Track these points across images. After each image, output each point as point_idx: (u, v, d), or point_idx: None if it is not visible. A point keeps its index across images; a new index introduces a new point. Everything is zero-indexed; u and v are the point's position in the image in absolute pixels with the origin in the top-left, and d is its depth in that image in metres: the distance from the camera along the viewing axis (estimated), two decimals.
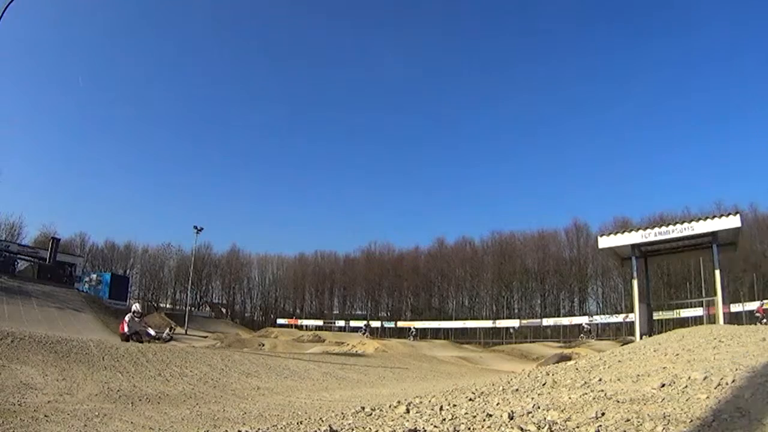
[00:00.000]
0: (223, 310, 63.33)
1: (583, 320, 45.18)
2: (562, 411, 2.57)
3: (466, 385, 6.02)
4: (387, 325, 52.65)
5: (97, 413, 4.46)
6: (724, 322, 13.30)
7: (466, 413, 2.84)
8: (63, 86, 79.84)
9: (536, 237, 55.86)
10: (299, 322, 57.32)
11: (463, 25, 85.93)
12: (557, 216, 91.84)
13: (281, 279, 67.25)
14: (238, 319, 60.47)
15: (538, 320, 48.68)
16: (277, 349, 25.50)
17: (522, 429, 2.30)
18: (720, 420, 2.13)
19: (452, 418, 2.71)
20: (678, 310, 30.82)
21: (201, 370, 7.85)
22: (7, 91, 64.14)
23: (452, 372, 15.67)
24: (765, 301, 21.41)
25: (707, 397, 2.54)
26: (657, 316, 22.17)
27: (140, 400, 5.48)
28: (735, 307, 27.55)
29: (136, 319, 11.25)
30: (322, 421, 3.07)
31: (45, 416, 4.11)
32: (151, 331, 11.58)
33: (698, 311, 26.84)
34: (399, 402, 3.52)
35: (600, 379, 3.70)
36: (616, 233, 16.32)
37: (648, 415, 2.32)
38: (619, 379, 3.55)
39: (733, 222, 13.62)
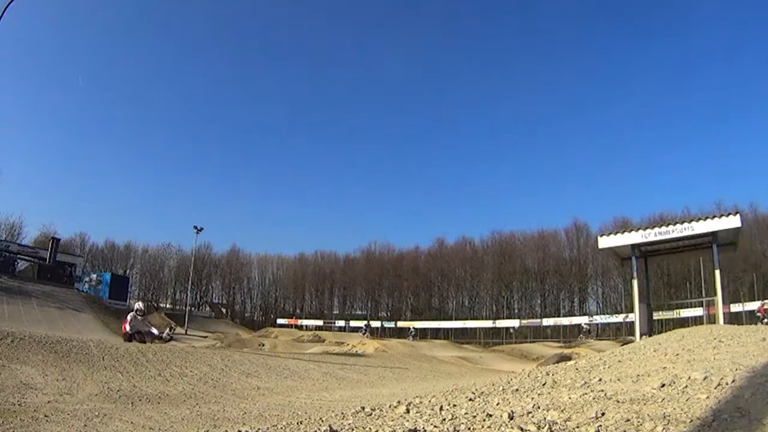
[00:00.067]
0: (223, 310, 63.33)
1: (583, 320, 45.20)
2: (562, 411, 2.57)
3: (466, 385, 6.02)
4: (387, 325, 52.65)
5: (97, 413, 4.46)
6: (724, 322, 13.30)
7: (466, 413, 2.84)
8: (63, 86, 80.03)
9: (536, 237, 55.91)
10: (299, 322, 57.32)
11: (463, 25, 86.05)
12: (557, 216, 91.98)
13: (281, 279, 67.28)
14: (238, 319, 60.48)
15: (538, 320, 48.69)
16: (277, 349, 25.50)
17: (522, 429, 2.30)
18: (720, 420, 2.13)
19: (452, 418, 2.71)
20: (678, 310, 30.82)
21: (201, 370, 7.85)
22: (7, 91, 64.25)
23: (452, 372, 15.67)
24: (766, 301, 21.38)
25: (707, 397, 2.54)
26: (657, 316, 22.17)
27: (140, 400, 5.48)
28: (735, 307, 27.55)
29: (139, 317, 11.11)
30: (322, 421, 3.07)
31: (45, 416, 4.11)
32: (154, 331, 11.39)
33: (698, 311, 26.84)
34: (399, 402, 3.51)
35: (600, 379, 3.70)
36: (616, 233, 16.33)
37: (648, 415, 2.32)
38: (619, 379, 3.55)
39: (733, 222, 13.62)
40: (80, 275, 43.54)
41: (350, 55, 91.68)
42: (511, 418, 2.53)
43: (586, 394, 3.03)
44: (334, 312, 62.08)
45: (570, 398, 2.94)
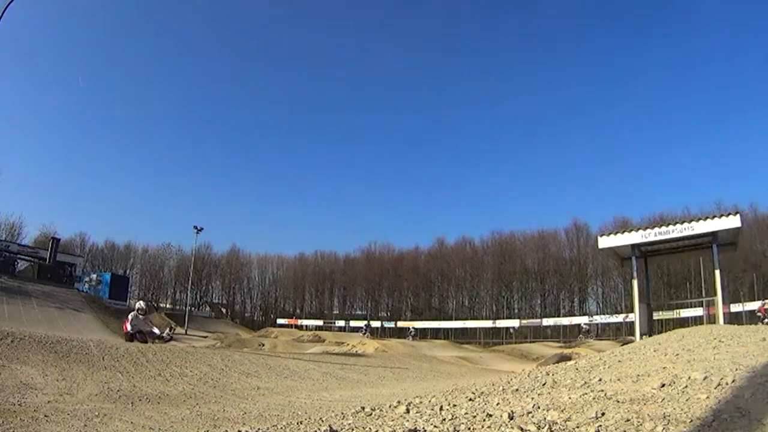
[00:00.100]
0: (223, 310, 63.33)
1: (583, 320, 45.21)
2: (562, 411, 2.57)
3: (466, 385, 6.02)
4: (387, 325, 52.66)
5: (97, 413, 4.46)
6: (724, 322, 13.30)
7: (466, 413, 2.84)
8: (63, 86, 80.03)
9: (536, 237, 55.93)
10: (299, 322, 57.33)
11: (463, 25, 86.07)
12: (557, 216, 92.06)
13: (281, 279, 67.28)
14: (238, 319, 60.48)
15: (538, 320, 48.69)
16: (277, 349, 25.50)
17: (522, 429, 2.30)
18: (720, 420, 2.13)
19: (452, 418, 2.71)
20: (678, 310, 30.82)
21: (201, 370, 7.85)
22: (7, 91, 64.25)
23: (452, 372, 15.67)
24: (766, 301, 21.38)
25: (707, 397, 2.54)
26: (657, 316, 22.16)
27: (140, 400, 5.48)
28: (735, 307, 27.56)
29: (141, 316, 11.01)
30: (322, 421, 3.07)
31: (45, 416, 4.11)
32: (156, 330, 11.27)
33: (698, 311, 26.84)
34: (399, 402, 3.51)
35: (600, 379, 3.70)
36: (616, 233, 16.32)
37: (648, 415, 2.32)
38: (619, 379, 3.55)
39: (733, 222, 13.62)
40: (80, 275, 43.54)
41: (350, 55, 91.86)
42: (511, 418, 2.53)
43: (586, 394, 3.03)
44: (334, 312, 62.08)
45: (570, 398, 2.94)
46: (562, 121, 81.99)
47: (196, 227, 40.79)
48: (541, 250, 54.60)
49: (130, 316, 11.07)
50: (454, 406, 3.23)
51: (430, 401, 3.61)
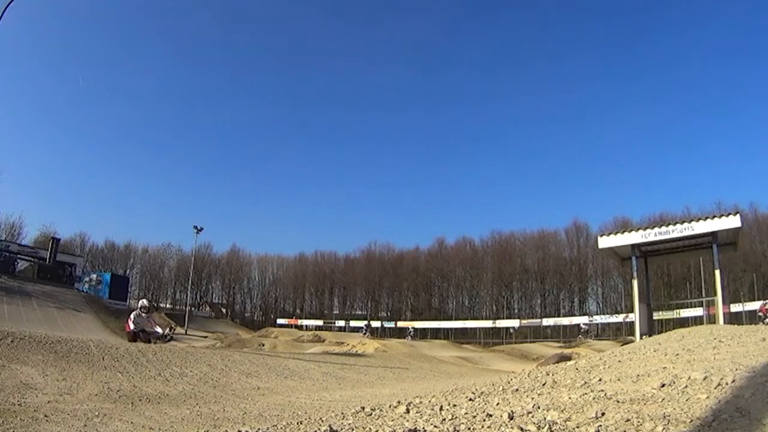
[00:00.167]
0: (223, 310, 63.33)
1: (583, 320, 45.21)
2: (562, 411, 2.57)
3: (466, 385, 6.02)
4: (387, 325, 52.66)
5: (97, 413, 4.46)
6: (724, 322, 13.30)
7: (466, 413, 2.84)
8: (63, 86, 79.96)
9: (536, 237, 55.94)
10: (299, 322, 57.33)
11: (464, 24, 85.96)
12: (557, 216, 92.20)
13: (281, 279, 67.29)
14: (238, 319, 60.49)
15: (538, 320, 48.70)
16: (277, 349, 25.49)
17: (522, 429, 2.30)
18: (720, 420, 2.13)
19: (452, 418, 2.71)
20: (678, 310, 30.84)
21: (201, 370, 7.85)
22: (7, 91, 64.23)
23: (452, 372, 15.66)
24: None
25: (707, 397, 2.54)
26: (657, 316, 22.18)
27: (140, 400, 5.48)
28: (735, 307, 27.55)
29: (143, 315, 10.91)
30: (322, 421, 3.07)
31: (45, 416, 4.11)
32: (159, 330, 11.18)
33: (698, 311, 26.86)
34: (399, 402, 3.51)
35: (600, 379, 3.70)
36: (616, 233, 16.32)
37: (648, 415, 2.32)
38: (619, 379, 3.55)
39: (733, 222, 13.62)
40: (80, 275, 43.49)
41: (350, 55, 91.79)
42: (511, 418, 2.53)
43: (586, 394, 3.03)
44: (334, 312, 62.09)
45: (570, 398, 2.94)
46: (562, 121, 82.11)
47: (196, 227, 40.79)
48: (541, 250, 54.61)
49: (132, 315, 10.98)
50: (454, 406, 3.23)
51: (430, 401, 3.61)
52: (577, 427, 2.26)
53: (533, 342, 40.53)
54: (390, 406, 3.39)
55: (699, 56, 73.15)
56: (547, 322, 47.90)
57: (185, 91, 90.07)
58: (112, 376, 6.49)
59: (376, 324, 50.01)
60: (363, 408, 3.38)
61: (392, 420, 2.87)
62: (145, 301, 11.62)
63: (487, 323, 49.84)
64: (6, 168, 78.54)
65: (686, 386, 2.84)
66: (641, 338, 13.52)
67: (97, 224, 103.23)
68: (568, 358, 14.18)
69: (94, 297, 37.40)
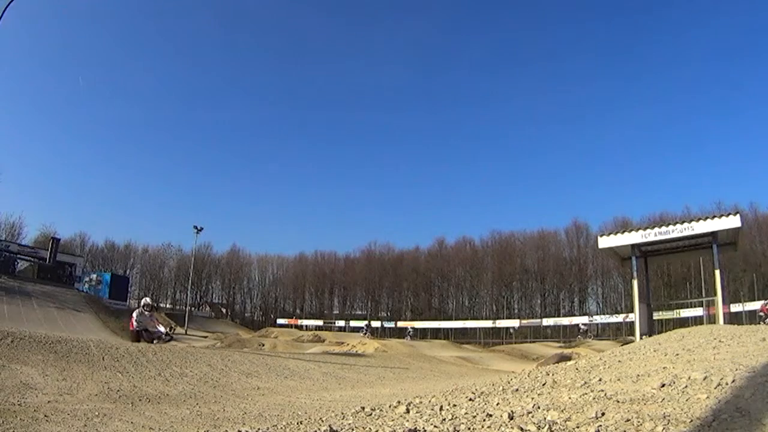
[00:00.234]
0: (223, 310, 63.34)
1: (583, 320, 45.22)
2: (562, 411, 2.57)
3: (466, 385, 6.01)
4: (387, 325, 52.65)
5: (97, 413, 4.46)
6: (724, 322, 13.31)
7: (466, 413, 2.84)
8: (63, 86, 79.98)
9: (536, 237, 55.94)
10: (299, 322, 57.33)
11: (464, 24, 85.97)
12: (557, 216, 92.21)
13: (281, 279, 67.30)
14: (238, 319, 60.51)
15: (538, 320, 48.70)
16: (277, 349, 25.49)
17: (522, 429, 2.30)
18: (720, 420, 2.13)
19: (452, 418, 2.71)
20: (678, 310, 30.86)
21: (201, 370, 7.85)
22: (7, 91, 64.24)
23: (452, 372, 15.66)
24: None
25: (707, 397, 2.54)
26: (657, 316, 22.20)
27: (140, 400, 5.48)
28: (735, 307, 27.57)
29: (146, 313, 10.80)
30: (322, 421, 3.07)
31: (45, 416, 4.11)
32: (161, 329, 11.08)
33: (698, 311, 26.87)
34: (399, 402, 3.51)
35: (600, 379, 3.70)
36: (616, 233, 16.33)
37: (648, 415, 2.32)
38: (619, 379, 3.55)
39: (733, 222, 13.63)
40: (80, 275, 43.49)
41: (350, 55, 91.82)
42: (511, 418, 2.53)
43: (586, 394, 3.03)
44: (334, 312, 62.09)
45: (570, 398, 2.94)
46: (562, 121, 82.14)
47: (196, 227, 40.80)
48: (541, 250, 54.61)
49: (135, 314, 10.86)
50: (454, 406, 3.23)
51: (430, 401, 3.61)
52: (577, 427, 2.26)
53: (533, 342, 40.53)
54: (390, 406, 3.39)
55: (699, 56, 73.27)
56: (547, 322, 47.90)
57: (185, 91, 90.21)
58: (112, 376, 6.48)
59: (376, 324, 50.01)
60: (363, 408, 3.38)
61: (392, 420, 2.87)
62: (148, 299, 11.47)
63: (487, 323, 49.84)
64: (6, 168, 78.76)
65: (686, 386, 2.84)
66: (641, 338, 13.52)
67: (97, 224, 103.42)
68: (568, 358, 14.18)
69: (94, 297, 37.40)
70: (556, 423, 2.34)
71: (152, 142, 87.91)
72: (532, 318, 49.65)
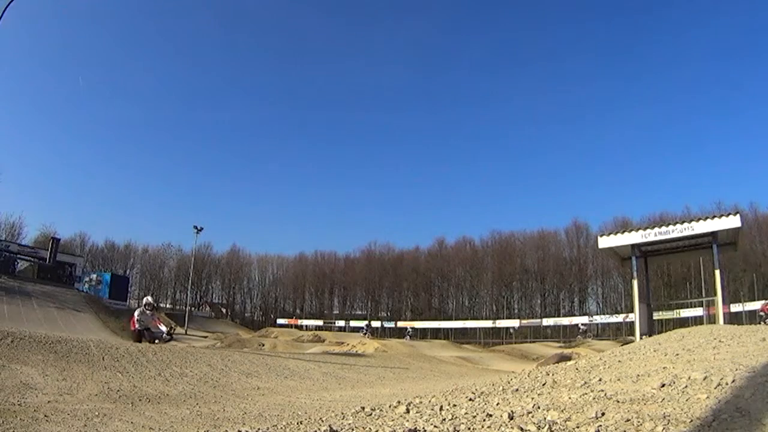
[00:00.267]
0: (223, 310, 63.33)
1: (583, 320, 45.22)
2: (562, 411, 2.57)
3: (466, 385, 6.02)
4: (387, 325, 52.65)
5: (97, 413, 4.46)
6: (724, 322, 13.31)
7: (466, 413, 2.84)
8: (63, 86, 79.97)
9: (536, 237, 55.92)
10: (299, 322, 57.32)
11: (464, 24, 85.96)
12: (557, 216, 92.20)
13: (281, 279, 67.29)
14: (238, 319, 60.50)
15: (538, 320, 48.70)
16: (277, 349, 25.50)
17: (522, 429, 2.30)
18: (720, 420, 2.13)
19: (452, 418, 2.71)
20: (678, 310, 30.85)
21: (201, 370, 7.85)
22: (7, 91, 64.24)
23: (452, 372, 15.66)
24: None
25: (707, 397, 2.54)
26: (657, 316, 22.20)
27: (140, 400, 5.48)
28: (735, 307, 27.57)
29: (148, 312, 10.71)
30: (322, 421, 3.07)
31: (45, 416, 4.11)
32: (163, 328, 10.99)
33: (698, 311, 26.87)
34: (399, 402, 3.51)
35: (600, 379, 3.70)
36: (616, 233, 16.33)
37: (648, 415, 2.32)
38: (619, 379, 3.55)
39: (733, 222, 13.63)
40: (80, 275, 43.49)
41: (350, 55, 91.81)
42: (511, 418, 2.53)
43: (586, 394, 3.03)
44: (334, 312, 62.08)
45: (570, 398, 2.94)
46: (562, 121, 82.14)
47: (196, 227, 40.78)
48: (541, 250, 54.60)
49: (136, 313, 10.78)
50: (454, 406, 3.23)
51: (430, 401, 3.61)
52: (577, 427, 2.26)
53: (533, 342, 40.53)
54: (390, 406, 3.39)
55: (699, 56, 73.23)
56: (547, 322, 47.90)
57: (185, 91, 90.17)
58: (112, 376, 6.49)
59: (376, 324, 50.00)
60: (363, 408, 3.38)
61: (392, 420, 2.87)
62: (149, 298, 11.37)
63: (487, 323, 49.83)
64: (6, 168, 78.74)
65: (686, 386, 2.84)
66: (641, 338, 13.52)
67: (97, 224, 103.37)
68: (568, 358, 14.18)
69: (94, 297, 37.41)
70: (556, 423, 2.34)
71: (152, 142, 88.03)
72: (532, 318, 49.65)
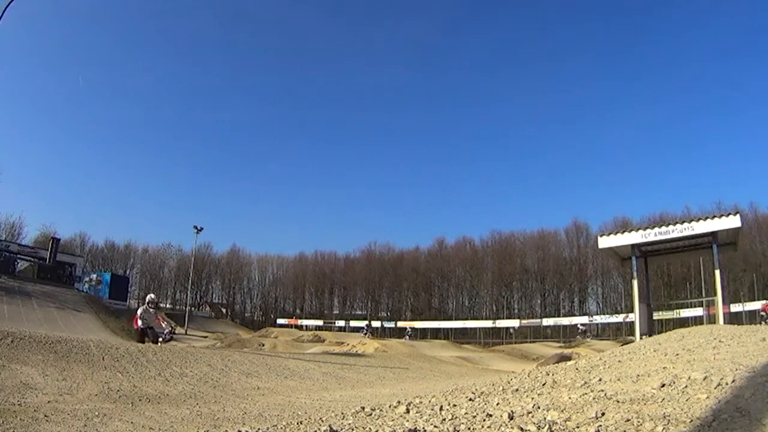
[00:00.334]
0: (223, 310, 63.34)
1: (583, 320, 45.23)
2: (562, 411, 2.57)
3: (466, 385, 6.02)
4: (387, 325, 52.66)
5: (97, 413, 4.46)
6: (724, 322, 13.31)
7: (466, 413, 2.84)
8: (63, 86, 79.96)
9: (536, 237, 55.92)
10: (299, 322, 57.33)
11: (464, 24, 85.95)
12: (557, 216, 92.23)
13: (281, 279, 67.29)
14: (238, 319, 60.51)
15: (538, 320, 48.71)
16: (277, 349, 25.50)
17: (522, 429, 2.30)
18: (720, 420, 2.13)
19: (452, 418, 2.71)
20: (678, 310, 30.85)
21: (201, 370, 7.85)
22: (7, 91, 64.24)
23: (452, 372, 15.66)
24: None
25: (707, 397, 2.54)
26: (657, 316, 22.20)
27: (140, 400, 5.48)
28: (735, 307, 27.58)
29: (151, 310, 10.68)
30: (322, 421, 3.07)
31: (45, 416, 4.11)
32: (165, 326, 10.97)
33: (698, 311, 26.87)
34: (399, 402, 3.51)
35: (600, 379, 3.70)
36: (616, 233, 16.33)
37: (648, 415, 2.32)
38: (619, 379, 3.55)
39: (733, 222, 13.63)
40: (80, 275, 43.47)
41: (350, 55, 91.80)
42: (511, 418, 2.53)
43: (586, 394, 3.03)
44: (334, 312, 62.08)
45: (570, 398, 2.94)
46: (562, 121, 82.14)
47: (196, 227, 40.78)
48: (541, 250, 54.60)
49: (140, 311, 10.73)
50: (454, 406, 3.23)
51: (430, 401, 3.61)
52: (577, 427, 2.26)
53: (533, 342, 40.55)
54: (390, 406, 3.39)
55: (699, 56, 73.22)
56: (547, 322, 47.90)
57: (185, 91, 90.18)
58: (112, 376, 6.48)
59: (376, 324, 50.00)
60: (363, 408, 3.38)
61: (392, 420, 2.87)
62: (152, 296, 11.31)
63: (487, 323, 49.83)
64: (6, 168, 78.78)
65: (686, 386, 2.84)
66: (641, 338, 13.52)
67: (97, 224, 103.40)
68: (568, 358, 14.18)
69: (94, 297, 37.40)
70: (556, 423, 2.34)
71: (152, 142, 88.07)
72: (532, 318, 49.65)
